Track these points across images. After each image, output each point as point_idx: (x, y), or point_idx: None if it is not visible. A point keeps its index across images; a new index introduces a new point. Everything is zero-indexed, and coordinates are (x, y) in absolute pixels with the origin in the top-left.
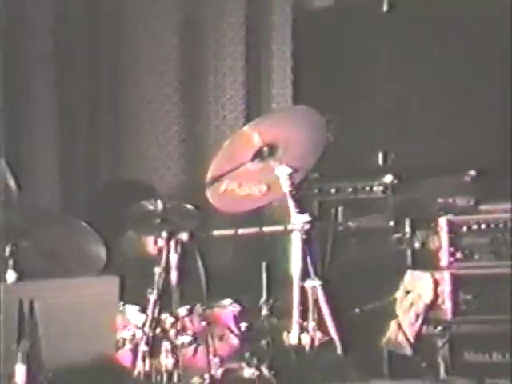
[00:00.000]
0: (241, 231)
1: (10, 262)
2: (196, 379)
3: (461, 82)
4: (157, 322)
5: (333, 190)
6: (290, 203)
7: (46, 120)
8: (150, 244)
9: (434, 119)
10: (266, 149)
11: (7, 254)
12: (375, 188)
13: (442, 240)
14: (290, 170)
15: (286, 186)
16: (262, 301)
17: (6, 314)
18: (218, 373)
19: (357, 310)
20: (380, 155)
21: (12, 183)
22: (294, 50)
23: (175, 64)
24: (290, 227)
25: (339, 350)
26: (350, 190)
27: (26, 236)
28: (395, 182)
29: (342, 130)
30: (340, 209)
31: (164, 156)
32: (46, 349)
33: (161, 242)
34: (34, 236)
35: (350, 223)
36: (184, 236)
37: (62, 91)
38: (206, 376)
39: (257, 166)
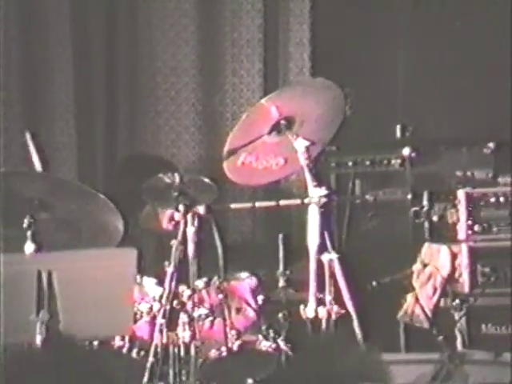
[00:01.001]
0: (258, 204)
1: (29, 234)
2: (213, 352)
3: (481, 55)
4: (174, 294)
5: (350, 163)
6: (307, 176)
7: (64, 95)
8: (166, 219)
9: (452, 92)
10: (283, 122)
11: (25, 225)
12: (393, 161)
13: (460, 213)
14: (307, 143)
15: (303, 160)
16: (278, 273)
17: (25, 285)
18: (234, 346)
19: (374, 283)
20: (398, 128)
21: (36, 159)
22: (312, 22)
23: (192, 37)
24: (306, 201)
25: (356, 323)
26: (368, 163)
27: (45, 208)
28: (413, 154)
29: (360, 102)
30: (357, 182)
31: (181, 129)
32: (64, 320)
33: (177, 216)
34: (53, 208)
35: (367, 196)
36: (201, 209)
37: (79, 66)
38: (223, 349)
39: (274, 139)
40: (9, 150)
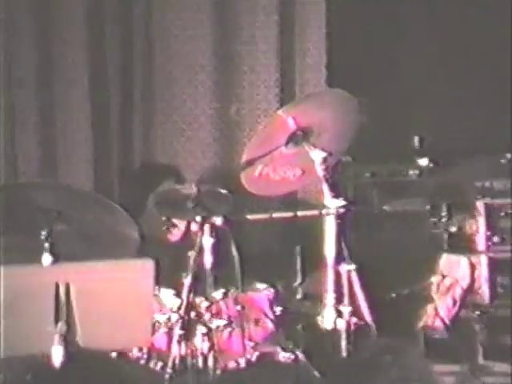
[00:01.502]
0: (275, 215)
1: (46, 245)
2: (231, 363)
3: (501, 65)
4: (192, 305)
5: (368, 174)
6: (325, 187)
7: (81, 106)
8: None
9: (470, 102)
10: (300, 133)
11: (43, 236)
12: (411, 171)
13: (478, 224)
14: (324, 154)
15: (320, 170)
16: (296, 284)
17: (43, 297)
18: (253, 357)
19: (392, 294)
20: (416, 138)
21: None
22: (328, 32)
23: (209, 48)
24: (324, 211)
25: (374, 334)
26: (386, 173)
27: (62, 219)
28: (431, 165)
29: (378, 113)
30: (375, 192)
31: (198, 140)
32: (82, 331)
33: (194, 227)
34: (70, 219)
35: (385, 207)
36: (218, 220)
37: (95, 79)
38: (242, 360)
39: (291, 149)
40: (26, 162)
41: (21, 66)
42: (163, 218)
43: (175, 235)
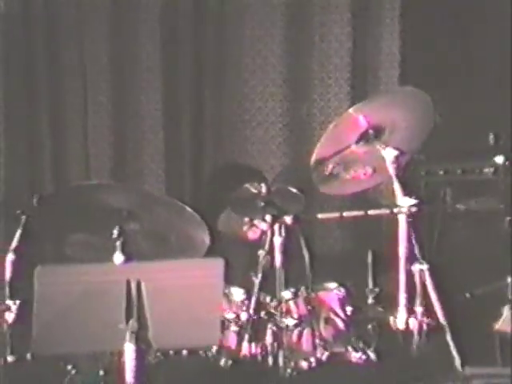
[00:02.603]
0: (346, 214)
1: (118, 244)
2: (302, 362)
3: None
4: (261, 304)
5: (441, 172)
6: (396, 186)
7: (152, 107)
8: (249, 229)
9: None
10: (371, 131)
11: (115, 236)
12: (486, 169)
13: None
14: (396, 153)
15: (392, 169)
16: (367, 290)
17: (114, 295)
18: (323, 356)
19: (467, 294)
20: (491, 136)
21: None
22: (402, 30)
23: (279, 47)
24: (396, 210)
25: (448, 335)
26: (459, 171)
27: (133, 219)
28: (507, 163)
29: (451, 110)
30: (448, 191)
31: (268, 140)
32: (153, 329)
33: (264, 226)
34: (141, 219)
35: (458, 205)
36: (288, 219)
37: (167, 80)
38: (312, 359)
39: (362, 148)
40: (98, 163)
41: (94, 68)
42: (246, 219)
43: (255, 233)
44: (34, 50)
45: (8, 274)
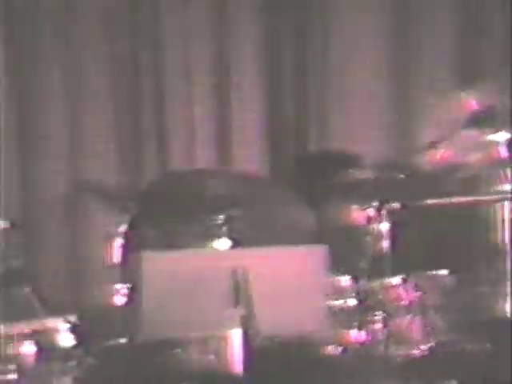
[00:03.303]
0: (454, 200)
1: (224, 230)
2: (412, 350)
3: None
4: (369, 291)
5: None
6: (508, 171)
7: (253, 91)
8: (359, 215)
9: None
10: (482, 114)
11: (221, 222)
12: None
13: None
14: (508, 136)
15: (503, 152)
16: (480, 270)
17: (219, 281)
18: (435, 344)
19: None
20: None
21: None
22: None
23: (385, 31)
24: (506, 196)
25: None
26: None
27: (238, 205)
28: None
29: None
30: None
31: (374, 124)
32: (259, 315)
33: (371, 212)
34: (246, 205)
35: None
36: (395, 205)
37: (269, 66)
38: (423, 347)
39: (472, 132)
40: (203, 148)
41: None
42: (352, 205)
43: (362, 219)
44: None
45: (117, 259)
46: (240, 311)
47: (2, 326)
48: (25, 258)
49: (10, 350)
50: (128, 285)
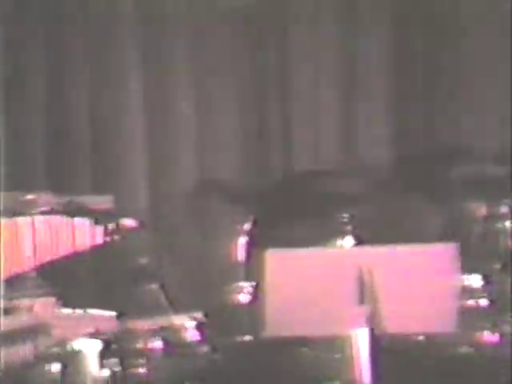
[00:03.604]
0: None
1: (349, 229)
2: None
3: None
4: (501, 291)
5: None
6: None
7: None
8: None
9: None
10: None
11: (346, 220)
12: None
13: None
14: None
15: None
16: None
17: (344, 279)
18: None
19: None
20: None
21: None
22: None
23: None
24: None
25: None
26: None
27: (363, 203)
28: None
29: None
30: None
31: (483, 118)
32: (386, 314)
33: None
34: (371, 203)
35: None
36: None
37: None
38: None
39: None
40: (326, 149)
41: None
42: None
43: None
44: None
45: (242, 257)
46: (366, 310)
47: (131, 322)
48: (152, 256)
49: (139, 345)
50: (252, 283)
